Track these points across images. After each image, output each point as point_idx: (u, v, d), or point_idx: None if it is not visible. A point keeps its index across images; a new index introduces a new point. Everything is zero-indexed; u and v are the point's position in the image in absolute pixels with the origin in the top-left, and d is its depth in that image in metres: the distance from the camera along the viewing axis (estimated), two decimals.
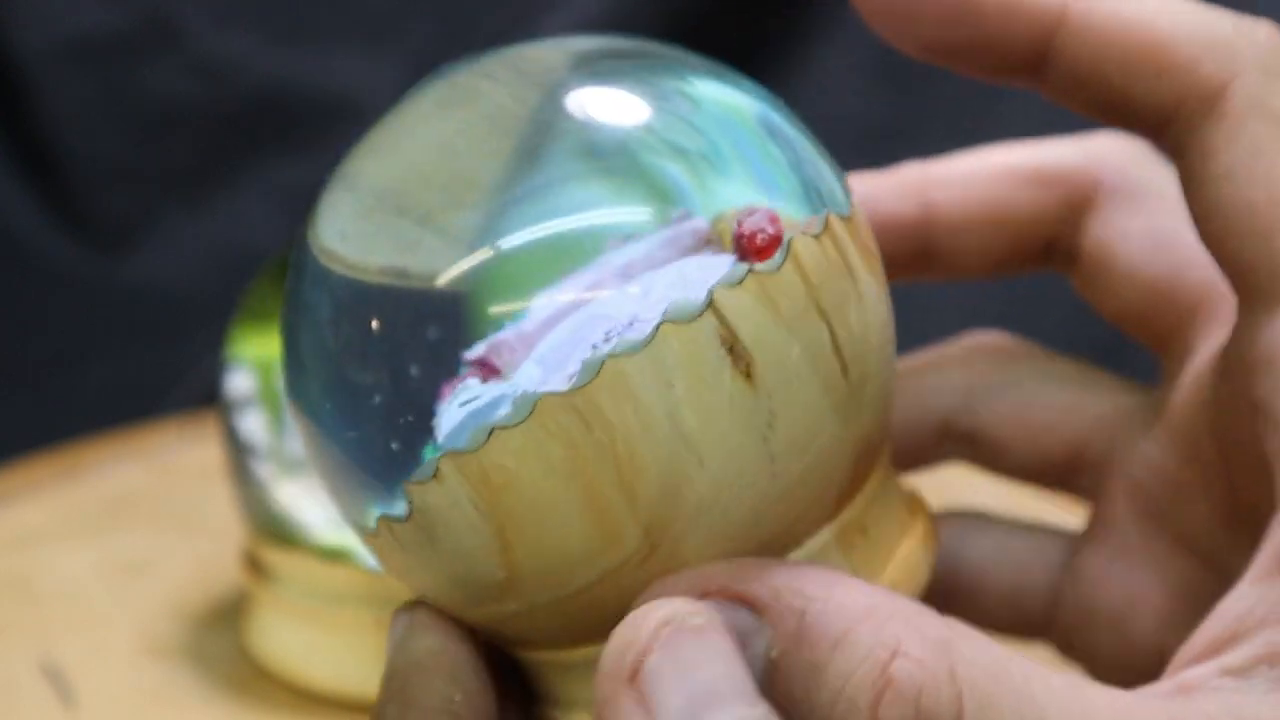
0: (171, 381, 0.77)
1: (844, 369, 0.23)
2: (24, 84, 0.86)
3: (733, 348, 0.22)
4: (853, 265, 0.24)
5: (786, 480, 0.23)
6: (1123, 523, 0.29)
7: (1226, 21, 0.25)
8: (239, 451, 0.46)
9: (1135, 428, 0.29)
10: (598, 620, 0.24)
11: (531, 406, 0.22)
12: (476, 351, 0.23)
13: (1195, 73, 0.25)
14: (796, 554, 0.24)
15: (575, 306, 0.22)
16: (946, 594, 0.31)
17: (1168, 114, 0.25)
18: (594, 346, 0.22)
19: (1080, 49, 0.25)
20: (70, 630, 0.49)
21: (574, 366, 0.22)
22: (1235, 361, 0.25)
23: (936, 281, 0.31)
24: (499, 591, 0.24)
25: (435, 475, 0.23)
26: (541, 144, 0.23)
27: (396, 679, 0.24)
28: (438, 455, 0.23)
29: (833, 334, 0.23)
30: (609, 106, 0.24)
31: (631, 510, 0.23)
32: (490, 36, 0.90)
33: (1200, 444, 0.28)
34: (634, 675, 0.21)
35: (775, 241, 0.23)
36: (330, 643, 0.46)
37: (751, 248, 0.23)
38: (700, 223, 0.23)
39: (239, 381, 0.47)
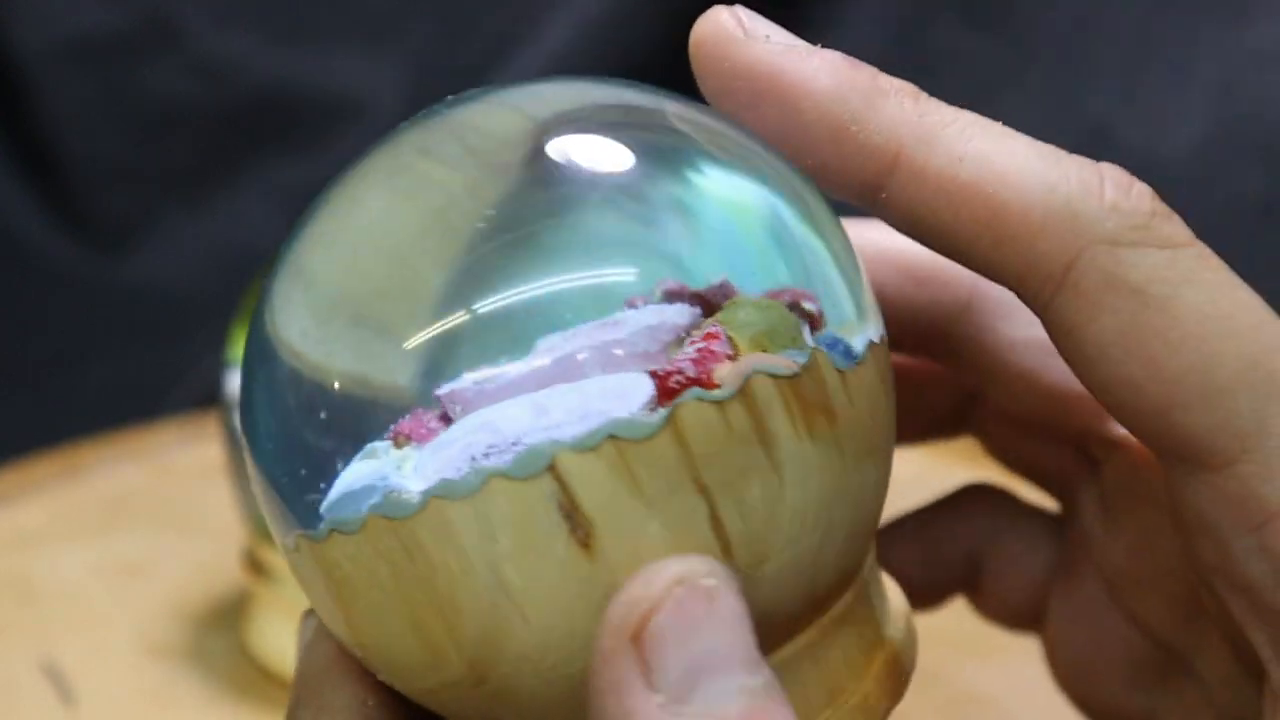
0: (171, 381, 0.77)
1: (726, 548, 0.21)
2: (24, 84, 0.86)
3: (570, 514, 0.20)
4: (773, 433, 0.21)
5: None
6: (1090, 586, 0.29)
7: (1070, 178, 0.23)
8: (239, 451, 0.46)
9: (1095, 489, 0.29)
10: (456, 715, 0.23)
11: (363, 521, 0.21)
12: (445, 389, 0.21)
13: (1036, 248, 0.23)
14: None
15: (539, 374, 0.21)
16: (959, 564, 0.31)
17: (1012, 281, 0.23)
18: (472, 459, 0.21)
19: (910, 202, 0.23)
20: (70, 630, 0.49)
21: (449, 473, 0.21)
22: (1174, 510, 0.24)
23: None
24: (360, 658, 0.23)
25: (296, 548, 0.22)
26: (494, 261, 0.21)
27: (309, 682, 0.24)
28: (295, 532, 0.22)
29: (714, 511, 0.21)
30: (577, 234, 0.22)
31: (455, 645, 0.21)
32: (490, 36, 0.91)
33: (1152, 542, 0.27)
34: (639, 633, 0.20)
35: (692, 386, 0.21)
36: None
37: (663, 388, 0.21)
38: (682, 312, 0.21)
39: (239, 381, 0.47)
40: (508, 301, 0.21)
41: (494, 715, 0.23)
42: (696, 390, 0.21)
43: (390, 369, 0.21)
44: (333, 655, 0.23)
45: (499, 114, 0.23)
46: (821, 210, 0.23)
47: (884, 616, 0.24)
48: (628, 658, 0.20)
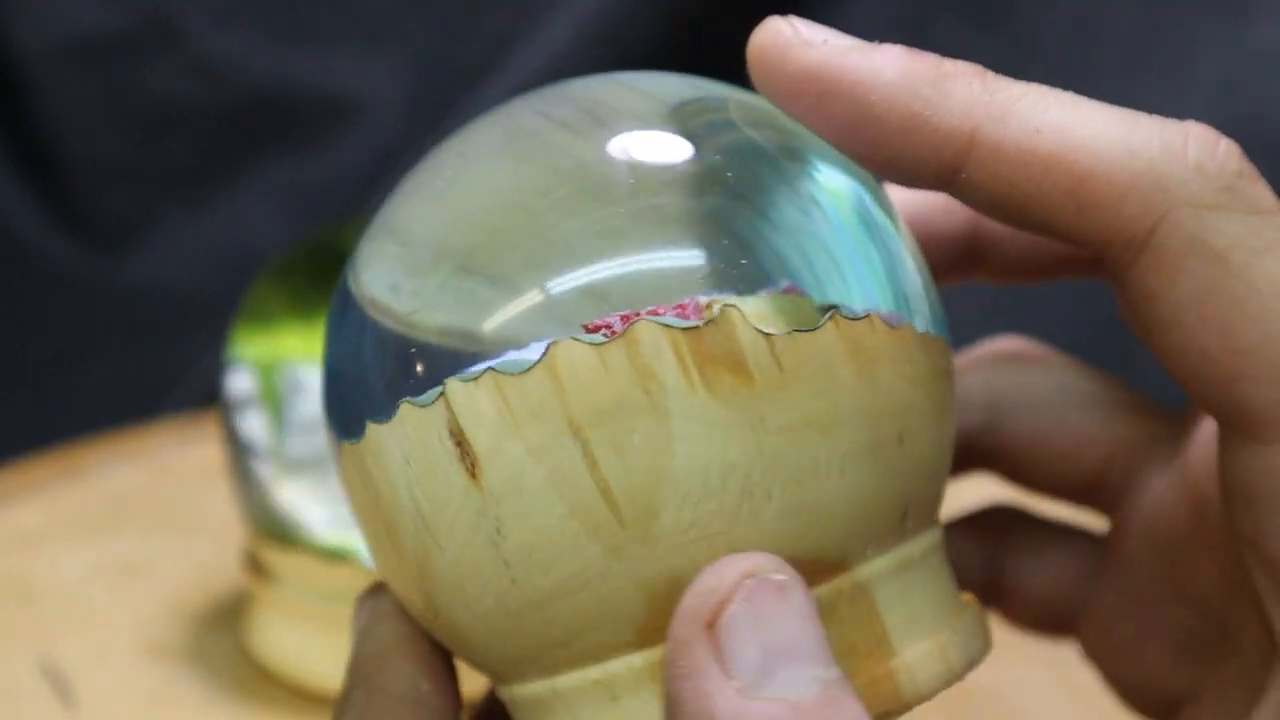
0: (171, 381, 0.77)
1: (607, 494, 0.21)
2: (24, 84, 0.86)
3: (460, 442, 0.21)
4: (659, 381, 0.21)
5: (533, 592, 0.22)
6: (1134, 561, 0.29)
7: (1152, 140, 0.23)
8: (239, 451, 0.46)
9: (1154, 464, 0.28)
10: (458, 656, 0.24)
11: (341, 446, 0.23)
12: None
13: (1120, 212, 0.22)
14: (593, 670, 0.22)
15: None
16: (984, 588, 0.30)
17: (1095, 248, 0.23)
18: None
19: (990, 179, 0.23)
20: (70, 630, 0.49)
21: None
22: (1221, 479, 0.24)
23: (991, 284, 0.30)
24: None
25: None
26: (625, 227, 0.22)
27: (363, 665, 0.24)
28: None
29: (589, 455, 0.21)
30: (739, 208, 0.22)
31: (406, 570, 0.23)
32: (490, 37, 0.91)
33: (1212, 508, 0.27)
34: (713, 622, 0.21)
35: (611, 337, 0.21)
36: (330, 643, 0.46)
37: None
38: (697, 302, 0.22)
39: (239, 381, 0.47)
40: (617, 272, 0.22)
41: (470, 656, 0.23)
42: (581, 333, 0.21)
43: (501, 321, 0.22)
44: (388, 638, 0.24)
45: (626, 95, 0.24)
46: (893, 210, 0.24)
47: (903, 631, 0.23)
48: (703, 645, 0.21)
